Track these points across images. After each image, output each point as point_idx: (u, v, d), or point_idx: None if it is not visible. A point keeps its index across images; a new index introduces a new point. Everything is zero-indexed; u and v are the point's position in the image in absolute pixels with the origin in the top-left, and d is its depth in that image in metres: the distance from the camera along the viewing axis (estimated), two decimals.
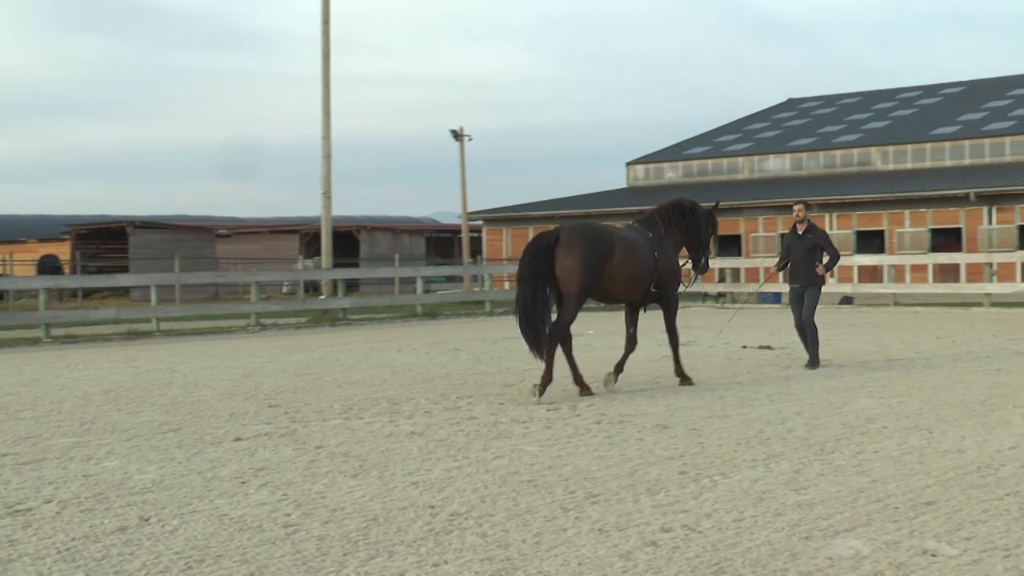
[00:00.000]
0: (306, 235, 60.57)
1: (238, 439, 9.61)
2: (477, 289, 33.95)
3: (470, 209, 56.75)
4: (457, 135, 54.11)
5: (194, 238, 53.80)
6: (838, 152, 56.63)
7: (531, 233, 56.26)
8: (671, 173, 61.47)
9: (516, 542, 6.07)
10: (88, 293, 45.79)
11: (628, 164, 63.42)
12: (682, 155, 62.54)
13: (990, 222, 45.92)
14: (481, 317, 30.56)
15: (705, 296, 36.03)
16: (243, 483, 7.72)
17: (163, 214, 73.13)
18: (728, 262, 38.32)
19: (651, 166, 62.56)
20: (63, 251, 54.01)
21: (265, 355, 18.65)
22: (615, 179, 75.48)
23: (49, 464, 8.61)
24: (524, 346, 12.20)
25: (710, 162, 60.41)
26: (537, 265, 11.95)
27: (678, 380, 13.07)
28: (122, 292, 45.44)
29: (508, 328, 20.06)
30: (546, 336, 11.91)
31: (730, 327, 21.56)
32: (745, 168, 59.07)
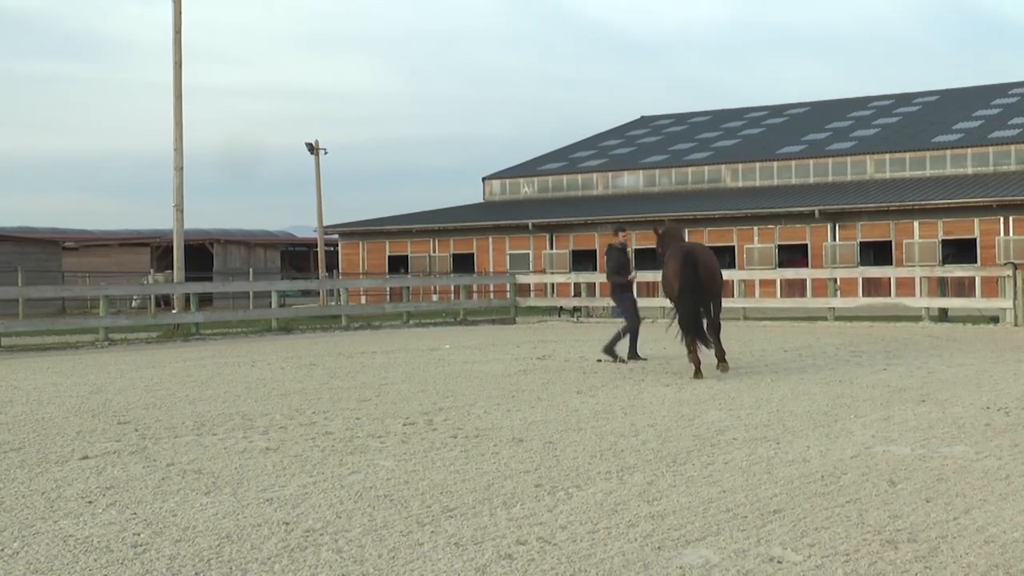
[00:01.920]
0: (157, 248, 59.30)
1: (85, 457, 9.35)
2: (333, 303, 33.68)
3: (326, 223, 56.31)
4: (312, 148, 53.63)
5: (39, 251, 52.16)
6: (689, 169, 57.96)
7: (388, 247, 56.34)
8: (527, 188, 62.01)
9: (372, 557, 6.05)
10: None
11: (484, 179, 63.78)
12: (537, 171, 63.16)
13: (834, 238, 47.52)
14: (337, 331, 30.32)
15: (560, 310, 36.40)
16: (90, 502, 7.51)
17: (5, 226, 70.62)
18: (583, 277, 38.79)
19: (507, 181, 63.02)
20: None
21: (114, 371, 18.17)
22: (472, 194, 75.86)
23: None
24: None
25: (565, 178, 61.15)
26: (694, 277, 15.46)
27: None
28: None
29: (364, 342, 20.03)
30: (706, 329, 15.69)
31: (584, 341, 21.83)
32: (599, 184, 59.98)
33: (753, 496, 7.44)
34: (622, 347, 18.19)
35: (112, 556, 6.11)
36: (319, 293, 49.90)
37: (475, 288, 45.62)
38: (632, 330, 18.22)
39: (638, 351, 18.24)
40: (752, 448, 9.40)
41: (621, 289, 18.70)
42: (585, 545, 6.24)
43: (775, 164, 55.90)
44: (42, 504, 7.50)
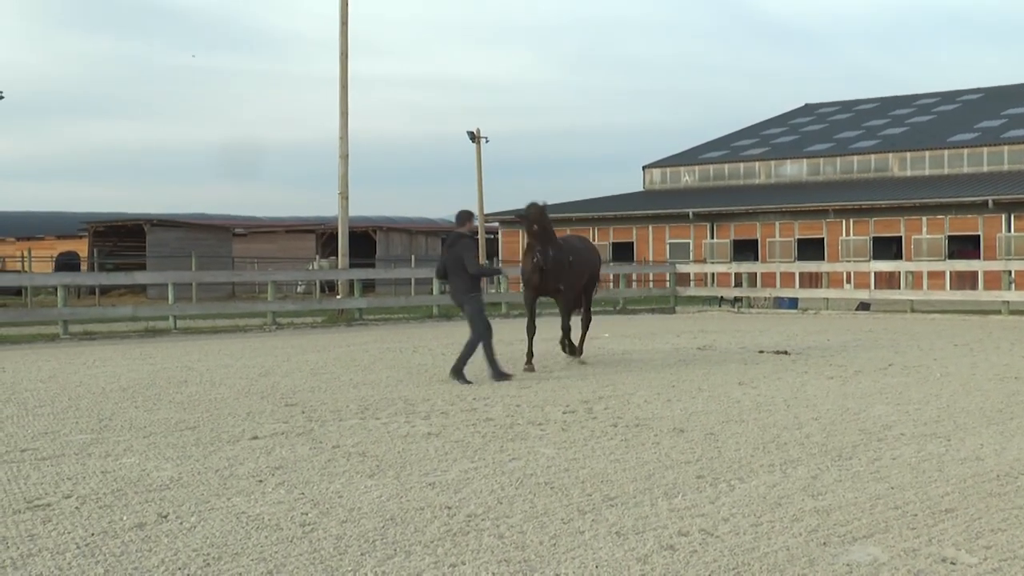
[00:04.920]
0: (322, 235, 60.69)
1: (255, 437, 9.64)
2: (493, 291, 33.88)
3: (487, 211, 56.77)
4: (474, 137, 54.11)
5: (210, 237, 53.94)
6: (855, 158, 56.52)
7: None
8: (687, 177, 61.43)
9: (533, 544, 6.08)
10: (105, 290, 45.94)
11: (644, 168, 63.41)
12: (698, 159, 62.50)
13: (1008, 229, 45.75)
14: (497, 318, 30.53)
15: (721, 300, 35.97)
16: (260, 481, 7.74)
17: (180, 212, 73.24)
18: (744, 267, 38.27)
19: (667, 170, 62.52)
20: (81, 248, 54.26)
21: (281, 354, 18.69)
22: (631, 183, 75.33)
23: (68, 460, 8.65)
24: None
25: (726, 166, 60.35)
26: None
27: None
28: (139, 290, 45.58)
29: (523, 330, 20.03)
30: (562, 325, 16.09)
31: (746, 331, 21.51)
32: (762, 173, 58.99)
33: (923, 494, 7.22)
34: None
35: (282, 534, 6.29)
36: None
37: (634, 277, 45.41)
38: (478, 341, 14.08)
39: (464, 371, 13.91)
40: (921, 444, 9.12)
41: (472, 287, 14.28)
42: (748, 538, 6.15)
43: (945, 152, 54.09)
44: (216, 481, 7.76)
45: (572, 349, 16.51)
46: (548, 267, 15.47)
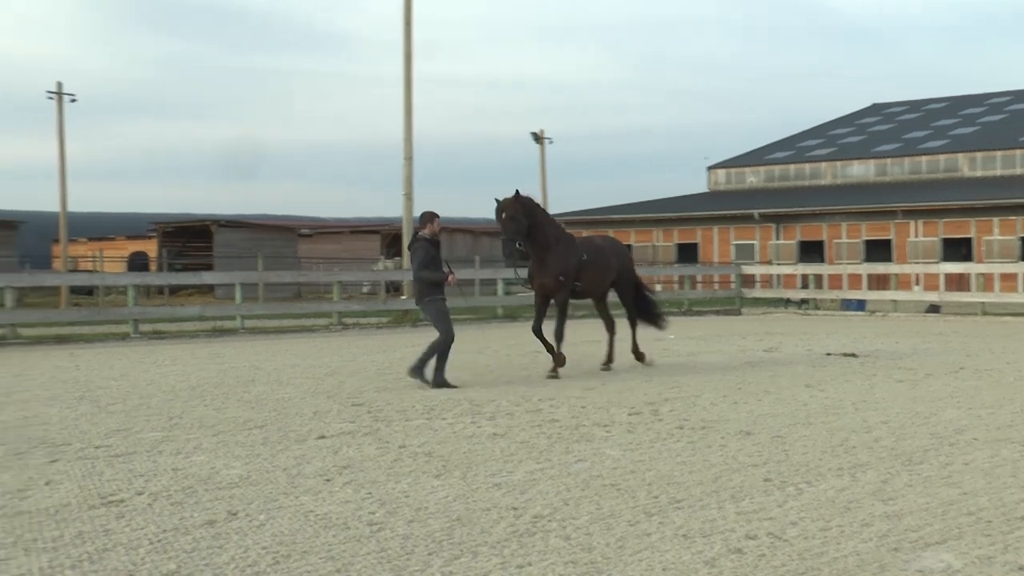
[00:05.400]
0: (387, 236, 61.02)
1: (322, 437, 9.72)
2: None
3: (550, 212, 56.70)
4: (538, 138, 54.13)
5: (276, 237, 54.47)
6: (924, 158, 55.73)
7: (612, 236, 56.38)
8: (752, 178, 60.96)
9: (600, 546, 6.06)
10: (174, 290, 46.58)
11: (709, 168, 63.02)
12: (764, 160, 61.99)
13: None
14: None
15: (788, 302, 35.65)
16: (328, 480, 7.80)
17: (246, 213, 74.07)
18: (811, 268, 37.91)
19: (732, 170, 62.09)
20: (150, 248, 55.06)
21: (347, 354, 18.83)
22: (696, 183, 74.98)
23: (140, 457, 8.78)
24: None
25: (792, 167, 59.78)
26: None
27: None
28: (207, 290, 46.18)
29: (591, 331, 20.05)
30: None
31: (812, 333, 21.30)
32: (828, 173, 58.37)
33: (997, 500, 7.10)
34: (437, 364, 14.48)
35: (349, 533, 6.33)
36: None
37: (699, 278, 45.18)
38: (444, 345, 13.84)
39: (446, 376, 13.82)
40: (995, 449, 8.97)
41: (430, 291, 13.96)
42: (817, 543, 6.09)
43: (1018, 152, 53.14)
44: (284, 480, 7.83)
45: (609, 358, 15.71)
46: (508, 253, 14.76)
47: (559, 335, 14.93)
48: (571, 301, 15.67)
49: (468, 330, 26.37)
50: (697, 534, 6.28)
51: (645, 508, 6.90)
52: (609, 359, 15.73)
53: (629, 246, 53.88)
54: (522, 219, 14.62)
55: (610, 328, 16.28)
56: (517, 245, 14.66)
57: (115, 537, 6.24)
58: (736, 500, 7.12)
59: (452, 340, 13.89)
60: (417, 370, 13.61)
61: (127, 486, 7.63)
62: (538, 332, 15.04)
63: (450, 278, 13.92)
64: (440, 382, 13.53)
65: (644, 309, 16.98)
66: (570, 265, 15.17)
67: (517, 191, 14.75)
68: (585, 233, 51.30)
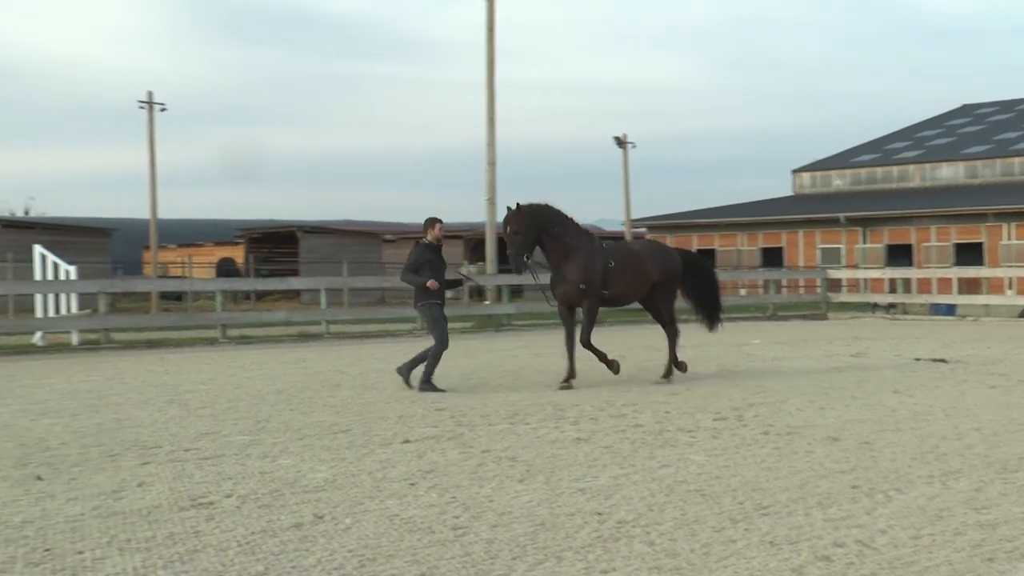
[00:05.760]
0: (470, 241, 61.21)
1: (406, 441, 9.78)
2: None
3: (633, 216, 56.54)
4: (621, 142, 53.98)
5: (360, 243, 54.91)
6: (1016, 160, 54.52)
7: (695, 240, 55.90)
8: (838, 181, 60.15)
9: (684, 552, 6.02)
10: (261, 295, 47.21)
11: (794, 172, 62.30)
12: (850, 162, 61.12)
13: None
14: (646, 325, 30.36)
15: (875, 307, 35.11)
16: (412, 484, 7.85)
17: (329, 219, 74.76)
18: (899, 272, 37.31)
19: (817, 174, 61.32)
20: (237, 254, 55.83)
21: None
22: (780, 187, 74.20)
23: (228, 460, 8.91)
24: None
25: (879, 170, 58.87)
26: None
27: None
28: (292, 295, 46.72)
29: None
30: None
31: (901, 338, 20.95)
32: (916, 176, 57.37)
33: None
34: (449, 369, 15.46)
35: (434, 537, 6.36)
36: None
37: (784, 283, 44.68)
38: (440, 351, 14.02)
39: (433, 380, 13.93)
40: None
41: (423, 295, 14.14)
42: (907, 551, 5.98)
43: None
44: (369, 484, 7.90)
45: (670, 368, 15.03)
46: (516, 267, 14.43)
47: (584, 343, 14.44)
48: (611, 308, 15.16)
49: (552, 335, 26.35)
50: (783, 541, 6.21)
51: (730, 514, 6.84)
52: (675, 366, 15.05)
53: (712, 251, 53.58)
54: (527, 231, 14.26)
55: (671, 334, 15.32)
56: (524, 258, 14.35)
57: (205, 539, 6.35)
58: (823, 507, 7.03)
59: (446, 346, 14.07)
60: (405, 370, 13.93)
61: (216, 489, 7.75)
62: (587, 344, 14.49)
63: (430, 283, 13.89)
64: (426, 387, 13.67)
65: (705, 304, 16.03)
66: (592, 272, 14.47)
67: (518, 203, 14.39)
68: (668, 239, 51.14)
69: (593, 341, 14.53)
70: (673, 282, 15.50)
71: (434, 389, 13.62)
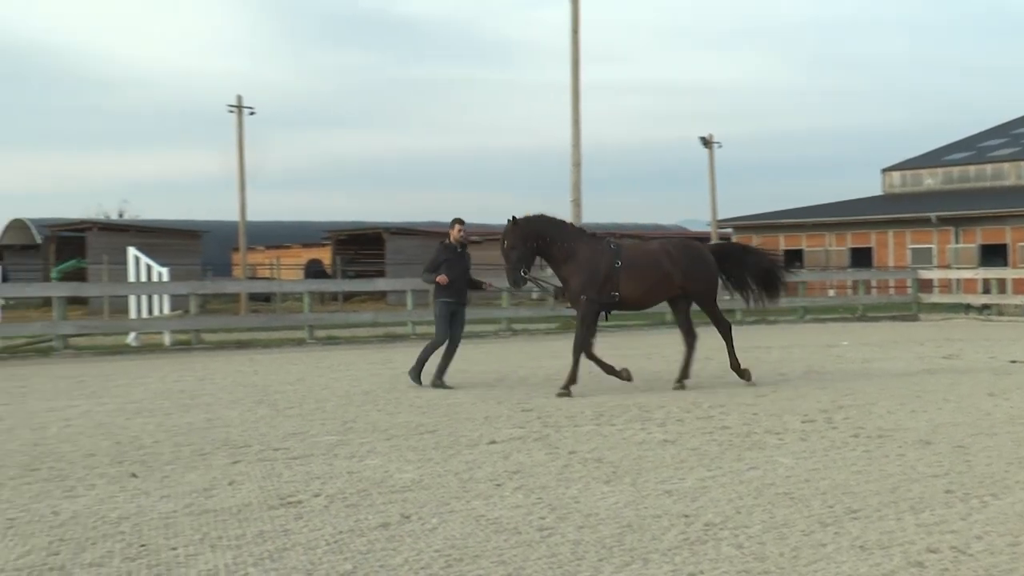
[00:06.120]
0: None
1: (492, 442, 9.81)
2: (727, 297, 33.42)
3: (719, 216, 56.07)
4: (707, 142, 53.52)
5: None
6: None
7: (782, 241, 55.32)
8: (929, 180, 59.06)
9: (773, 555, 5.96)
10: (347, 297, 47.64)
11: (883, 171, 61.31)
12: (941, 161, 59.97)
13: None
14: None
15: (968, 308, 34.40)
16: (498, 485, 7.87)
17: (414, 221, 75.27)
18: (993, 272, 36.53)
19: (908, 173, 60.27)
20: (324, 255, 56.40)
21: (515, 361, 18.96)
22: (869, 186, 73.06)
23: (316, 460, 9.01)
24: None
25: (972, 168, 57.67)
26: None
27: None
28: (379, 296, 47.08)
29: (759, 337, 19.77)
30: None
31: (995, 340, 20.48)
32: (1011, 174, 56.10)
33: None
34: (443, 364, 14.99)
35: (520, 538, 6.37)
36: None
37: (874, 283, 43.98)
38: (433, 346, 14.84)
39: (421, 375, 14.67)
40: None
41: (439, 292, 14.92)
42: (1004, 559, 5.85)
43: None
44: (456, 484, 7.93)
45: (737, 367, 14.82)
46: (514, 282, 14.24)
47: (577, 350, 13.97)
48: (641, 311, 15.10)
49: (637, 336, 26.26)
50: (875, 546, 6.11)
51: (820, 518, 6.76)
52: (684, 375, 14.46)
53: (800, 251, 52.93)
54: (523, 245, 14.00)
55: (689, 340, 14.81)
56: (522, 272, 14.15)
57: (294, 537, 6.43)
58: (916, 512, 6.90)
59: (442, 343, 14.79)
60: (440, 377, 14.52)
61: (304, 488, 7.84)
62: (585, 353, 14.08)
63: (439, 278, 14.67)
64: (415, 378, 14.55)
65: (765, 280, 15.76)
66: (594, 275, 14.03)
67: (514, 216, 14.13)
68: (755, 239, 50.60)
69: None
70: (702, 282, 14.86)
71: (425, 383, 14.31)
